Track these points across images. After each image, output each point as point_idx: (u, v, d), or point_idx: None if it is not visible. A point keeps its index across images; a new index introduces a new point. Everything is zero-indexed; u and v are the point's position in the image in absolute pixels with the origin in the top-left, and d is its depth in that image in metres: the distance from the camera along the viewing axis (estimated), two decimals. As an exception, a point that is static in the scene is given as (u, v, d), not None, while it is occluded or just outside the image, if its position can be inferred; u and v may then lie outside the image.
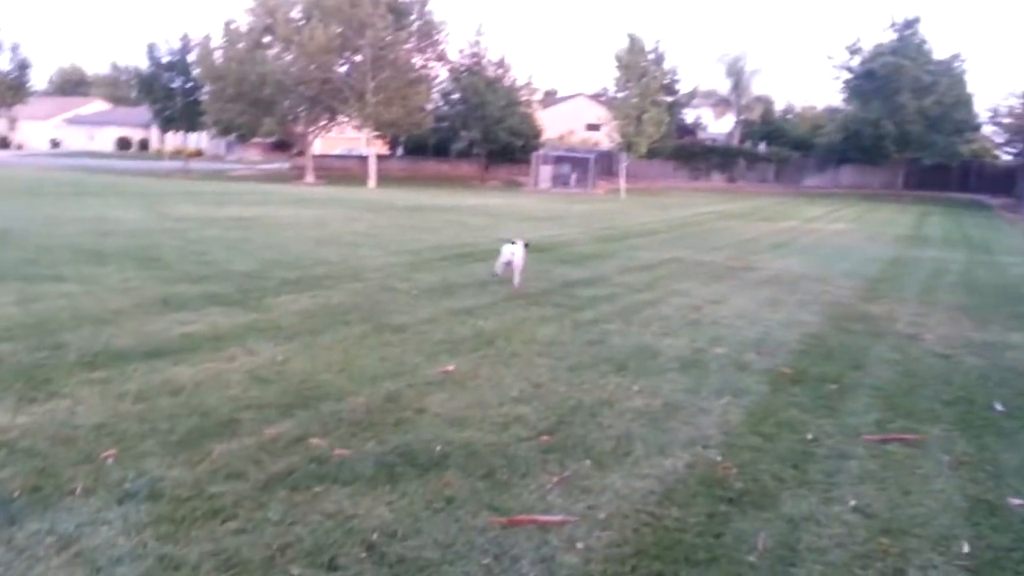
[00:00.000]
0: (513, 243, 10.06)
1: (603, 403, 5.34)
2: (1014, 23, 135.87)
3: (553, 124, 58.37)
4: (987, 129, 50.35)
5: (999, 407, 5.68)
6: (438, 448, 4.39)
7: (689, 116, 62.87)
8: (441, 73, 49.80)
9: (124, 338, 6.46)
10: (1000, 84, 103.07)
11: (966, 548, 3.54)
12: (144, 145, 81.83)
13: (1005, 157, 51.95)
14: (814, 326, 8.39)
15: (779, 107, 66.92)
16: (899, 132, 43.81)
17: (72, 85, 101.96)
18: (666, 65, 49.29)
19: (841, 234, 21.41)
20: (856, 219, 28.29)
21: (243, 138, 57.38)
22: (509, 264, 10.02)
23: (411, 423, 4.79)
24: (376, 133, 47.57)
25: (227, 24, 45.75)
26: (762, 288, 10.84)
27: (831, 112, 52.94)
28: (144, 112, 65.46)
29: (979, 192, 48.17)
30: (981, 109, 48.00)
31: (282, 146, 66.87)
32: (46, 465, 3.92)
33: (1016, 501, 4.07)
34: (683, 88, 54.93)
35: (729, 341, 7.40)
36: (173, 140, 67.50)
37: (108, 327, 6.79)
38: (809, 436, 4.89)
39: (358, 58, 43.66)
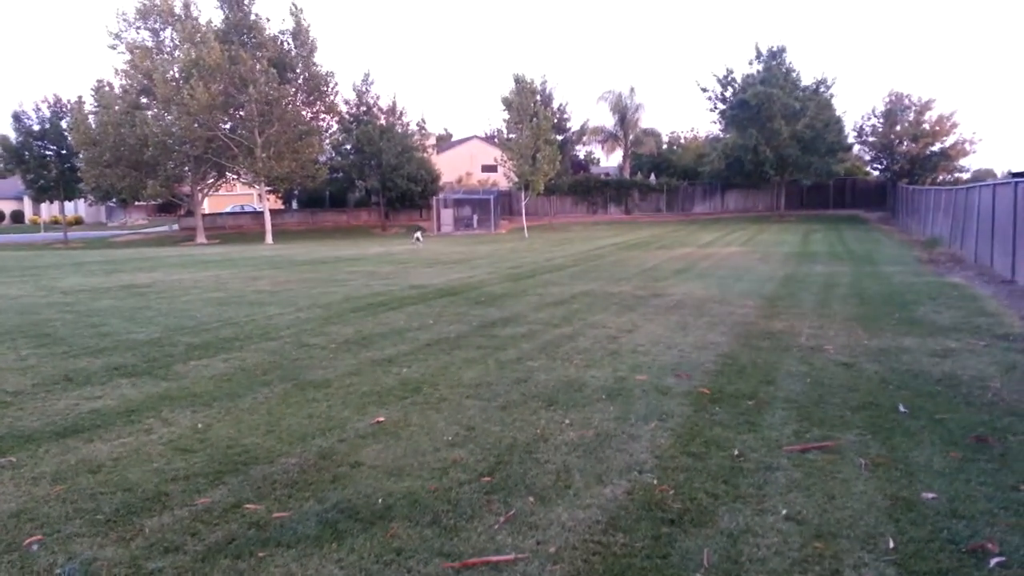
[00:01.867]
0: (418, 229, 34.63)
1: (537, 439, 5.41)
2: (876, 45, 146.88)
3: (450, 168, 58.96)
4: (856, 147, 53.69)
5: (903, 409, 6.06)
6: (380, 500, 4.35)
7: (581, 152, 64.63)
8: (332, 124, 49.64)
9: (29, 419, 6.12)
10: (866, 102, 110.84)
11: (891, 543, 3.77)
12: (18, 217, 77.70)
13: (875, 173, 55.49)
14: (724, 346, 8.74)
15: (665, 138, 69.76)
16: (776, 156, 46.06)
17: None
18: (555, 103, 50.80)
19: (735, 256, 22.37)
20: (747, 241, 29.61)
21: (125, 202, 55.40)
22: (416, 240, 32.79)
23: (348, 478, 4.72)
24: (269, 188, 46.81)
25: (97, 86, 44.22)
26: (671, 314, 11.21)
27: (712, 141, 55.23)
28: (15, 183, 62.30)
29: (855, 207, 51.40)
30: (850, 129, 51.31)
31: (168, 207, 64.94)
32: (-36, 561, 3.68)
33: (929, 495, 4.35)
34: (573, 125, 56.45)
35: (649, 367, 7.63)
36: (49, 210, 64.30)
37: (10, 409, 6.42)
38: (735, 452, 5.10)
39: (243, 114, 43.02)
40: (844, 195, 53.83)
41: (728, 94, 48.79)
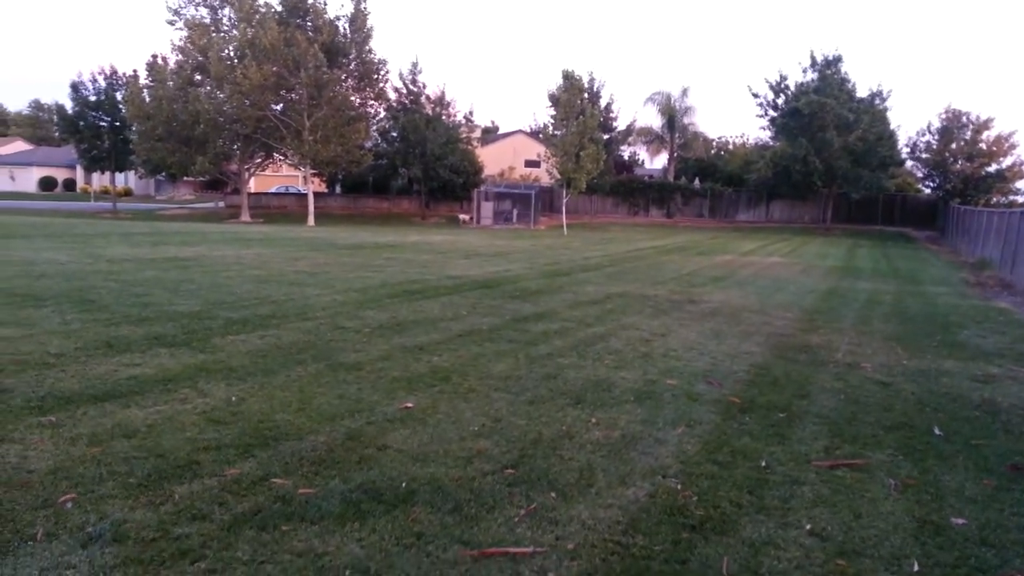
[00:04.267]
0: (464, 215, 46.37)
1: (563, 436, 5.42)
2: (936, 59, 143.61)
3: (493, 161, 59.02)
4: (909, 163, 52.38)
5: (938, 432, 5.95)
6: (403, 484, 4.40)
7: (625, 152, 64.19)
8: (380, 111, 49.92)
9: (70, 381, 6.29)
10: (921, 117, 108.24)
11: (916, 567, 3.71)
12: (69, 185, 79.53)
13: (926, 191, 54.17)
14: (758, 356, 8.65)
15: (713, 143, 68.85)
16: (826, 168, 45.05)
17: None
18: (602, 102, 50.50)
19: (776, 267, 22.05)
20: (790, 252, 29.17)
21: (174, 177, 56.39)
22: (461, 221, 44.69)
23: (374, 460, 4.78)
24: (314, 171, 47.30)
25: (152, 61, 44.95)
26: (706, 320, 11.11)
27: (761, 148, 54.28)
28: (68, 152, 63.81)
29: (904, 225, 50.29)
30: (903, 144, 50.02)
31: (215, 184, 65.87)
32: (2, 511, 3.83)
33: (958, 521, 4.27)
34: (619, 125, 56.09)
35: (680, 372, 7.59)
36: (100, 180, 65.74)
37: (52, 371, 6.61)
38: (762, 463, 5.05)
39: (294, 96, 43.48)
40: (893, 211, 52.65)
41: (780, 101, 47.84)
